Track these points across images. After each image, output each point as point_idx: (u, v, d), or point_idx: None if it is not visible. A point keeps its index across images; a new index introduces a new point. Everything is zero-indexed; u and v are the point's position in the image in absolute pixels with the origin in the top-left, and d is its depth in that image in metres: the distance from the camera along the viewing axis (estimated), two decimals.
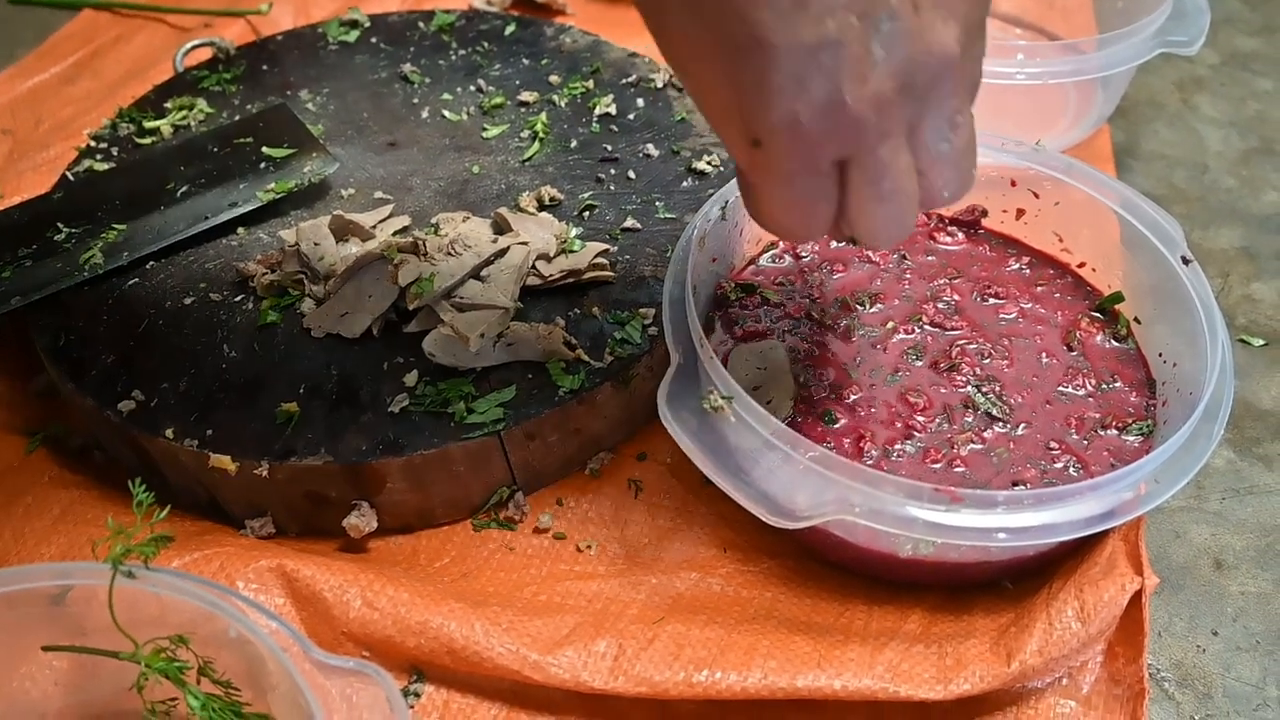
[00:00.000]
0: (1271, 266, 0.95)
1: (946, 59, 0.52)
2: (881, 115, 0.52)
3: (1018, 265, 0.83)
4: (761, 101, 0.51)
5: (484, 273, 0.79)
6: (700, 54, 0.53)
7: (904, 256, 0.83)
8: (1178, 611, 0.72)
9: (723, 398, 0.64)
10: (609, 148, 0.93)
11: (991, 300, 0.80)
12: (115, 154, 0.95)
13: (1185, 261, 0.72)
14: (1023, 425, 0.72)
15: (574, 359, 0.75)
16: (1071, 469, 0.70)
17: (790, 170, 0.54)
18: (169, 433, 0.71)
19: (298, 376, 0.74)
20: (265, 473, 0.69)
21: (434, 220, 0.85)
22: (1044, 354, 0.76)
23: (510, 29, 1.08)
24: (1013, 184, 0.83)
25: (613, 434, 0.78)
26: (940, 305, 0.79)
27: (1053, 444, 0.71)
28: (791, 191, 0.55)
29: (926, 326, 0.78)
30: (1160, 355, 0.75)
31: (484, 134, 0.95)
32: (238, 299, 0.80)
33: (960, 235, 0.85)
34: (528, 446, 0.73)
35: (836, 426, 0.72)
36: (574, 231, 0.83)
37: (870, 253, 0.82)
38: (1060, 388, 0.74)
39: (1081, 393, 0.74)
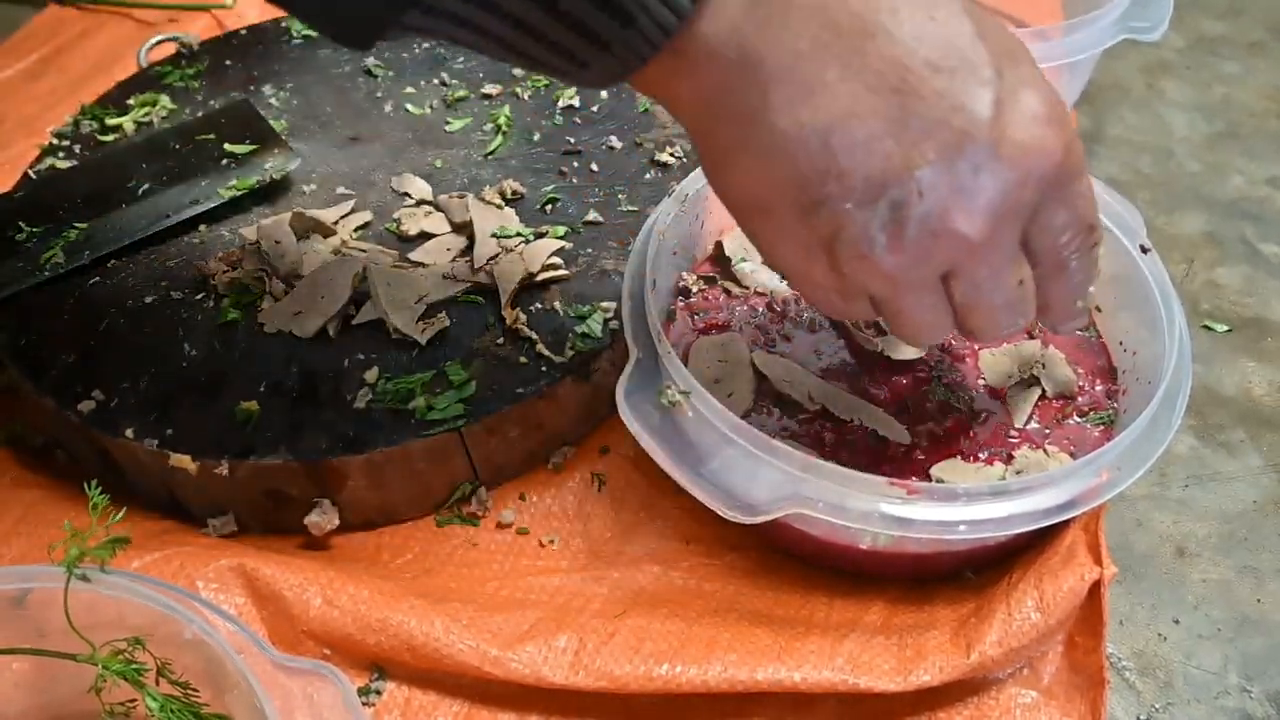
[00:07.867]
0: (1236, 252, 0.96)
1: (1049, 164, 0.51)
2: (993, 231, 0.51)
3: None
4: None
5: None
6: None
7: None
8: (1139, 600, 0.72)
9: (681, 392, 0.64)
10: (572, 140, 0.92)
11: None
12: (78, 151, 0.95)
13: (1144, 250, 0.72)
14: (983, 414, 0.72)
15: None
16: None
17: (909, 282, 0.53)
18: (129, 432, 0.71)
19: (258, 374, 0.74)
20: (225, 471, 0.69)
21: (396, 215, 0.85)
22: (1005, 342, 0.76)
23: None
24: None
25: (575, 428, 0.78)
26: None
27: (1013, 433, 0.71)
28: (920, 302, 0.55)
29: None
30: (1121, 344, 0.75)
31: (447, 128, 0.94)
32: (199, 297, 0.79)
33: None
34: (489, 442, 0.73)
35: (797, 419, 0.72)
36: (528, 231, 0.83)
37: None
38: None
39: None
